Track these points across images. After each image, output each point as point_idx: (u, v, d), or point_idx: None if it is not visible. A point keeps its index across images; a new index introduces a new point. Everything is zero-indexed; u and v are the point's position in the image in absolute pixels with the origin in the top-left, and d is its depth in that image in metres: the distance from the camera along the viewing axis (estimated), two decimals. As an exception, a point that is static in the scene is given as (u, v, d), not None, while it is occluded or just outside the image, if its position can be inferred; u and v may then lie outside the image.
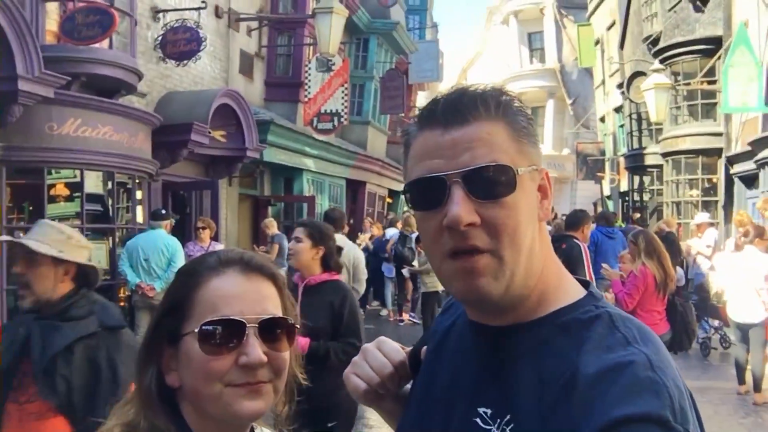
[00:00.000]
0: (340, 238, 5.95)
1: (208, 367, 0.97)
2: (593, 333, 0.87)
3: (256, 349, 0.97)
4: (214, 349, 0.97)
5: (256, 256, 1.08)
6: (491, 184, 0.87)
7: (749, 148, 12.13)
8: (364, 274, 6.10)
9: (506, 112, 0.91)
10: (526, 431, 0.86)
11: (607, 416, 0.77)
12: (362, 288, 6.17)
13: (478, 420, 0.92)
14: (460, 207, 0.86)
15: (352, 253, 6.01)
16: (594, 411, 0.78)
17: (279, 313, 1.04)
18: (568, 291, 0.95)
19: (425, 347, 1.11)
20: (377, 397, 1.09)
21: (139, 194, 8.31)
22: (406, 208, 15.95)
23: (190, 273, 1.05)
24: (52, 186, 7.48)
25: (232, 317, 0.98)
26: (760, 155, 11.60)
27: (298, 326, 1.06)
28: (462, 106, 0.89)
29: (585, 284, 0.99)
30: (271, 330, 1.01)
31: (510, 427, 0.88)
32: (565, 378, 0.84)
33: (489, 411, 0.91)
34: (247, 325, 0.98)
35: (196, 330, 0.98)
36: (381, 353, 1.09)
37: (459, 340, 1.03)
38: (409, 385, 1.11)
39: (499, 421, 0.89)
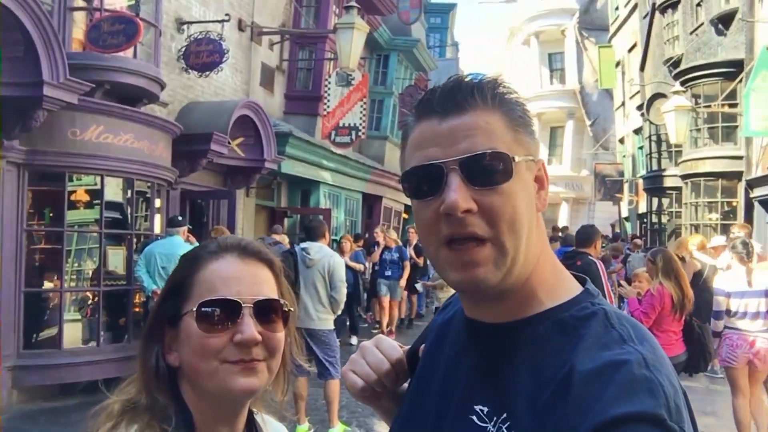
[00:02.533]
0: (318, 246, 5.94)
1: (205, 343, 1.02)
2: (589, 330, 0.87)
3: (250, 327, 1.02)
4: (211, 327, 1.02)
5: (253, 243, 1.13)
6: (488, 171, 0.87)
7: (770, 172, 12.00)
8: (341, 282, 5.83)
9: (502, 102, 0.92)
10: (522, 429, 0.85)
11: (603, 415, 0.76)
12: (340, 296, 5.82)
13: (474, 417, 0.91)
14: (458, 193, 0.86)
15: (327, 260, 5.80)
16: (590, 409, 0.78)
17: (274, 296, 1.08)
18: (565, 287, 0.95)
19: (423, 345, 1.11)
20: (374, 394, 1.09)
21: (157, 202, 8.39)
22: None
23: (192, 258, 1.11)
24: (73, 192, 7.57)
25: (229, 297, 1.03)
26: (781, 179, 11.47)
27: (292, 309, 1.10)
28: (459, 96, 0.90)
29: (581, 281, 0.99)
30: (266, 311, 1.06)
31: (506, 425, 0.87)
32: (560, 376, 0.83)
33: (485, 409, 0.91)
34: (243, 305, 1.03)
35: (194, 309, 1.03)
36: (379, 351, 1.10)
37: (455, 337, 1.03)
38: (406, 384, 1.11)
39: (495, 419, 0.89)
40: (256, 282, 1.07)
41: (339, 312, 6.04)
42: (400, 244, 11.99)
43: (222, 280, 1.05)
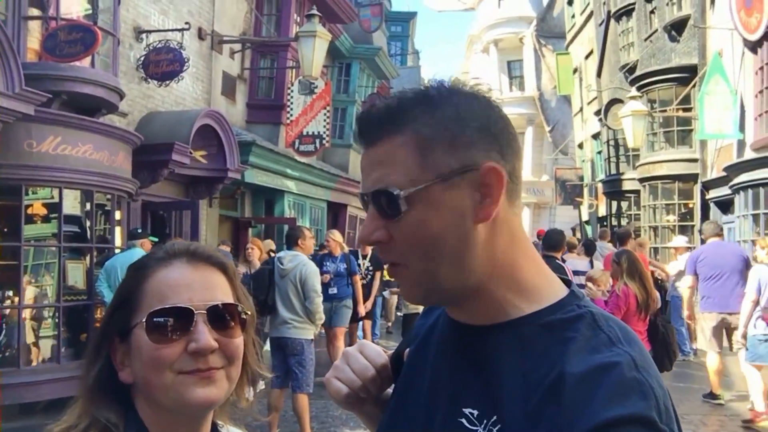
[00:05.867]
0: (292, 254, 5.81)
1: (157, 355, 0.96)
2: (577, 333, 0.87)
3: (205, 335, 0.97)
4: (162, 337, 0.97)
5: (203, 247, 1.08)
6: (383, 206, 0.89)
7: (724, 173, 12.35)
8: (314, 292, 5.57)
9: (416, 118, 0.89)
10: None
11: (596, 418, 0.76)
12: (313, 306, 5.55)
13: (463, 420, 0.90)
14: (366, 227, 0.91)
15: (300, 268, 5.58)
16: (581, 412, 0.78)
17: (229, 300, 1.03)
18: (551, 289, 0.95)
19: (408, 349, 1.10)
20: (359, 401, 1.07)
21: (118, 214, 8.21)
22: None
23: (139, 267, 1.05)
24: (29, 206, 7.35)
25: (179, 305, 0.98)
26: (735, 181, 11.80)
27: (249, 313, 1.06)
28: (365, 128, 0.92)
29: (567, 283, 0.99)
30: (221, 317, 1.01)
31: (497, 428, 0.86)
32: (550, 379, 0.83)
33: (475, 412, 0.90)
34: (195, 312, 0.98)
35: (144, 320, 0.97)
36: (363, 356, 1.08)
37: (440, 340, 1.02)
38: (390, 389, 1.09)
39: (485, 422, 0.88)
40: (208, 287, 1.01)
41: (320, 323, 5.86)
42: (347, 251, 9.06)
43: (171, 288, 0.99)
